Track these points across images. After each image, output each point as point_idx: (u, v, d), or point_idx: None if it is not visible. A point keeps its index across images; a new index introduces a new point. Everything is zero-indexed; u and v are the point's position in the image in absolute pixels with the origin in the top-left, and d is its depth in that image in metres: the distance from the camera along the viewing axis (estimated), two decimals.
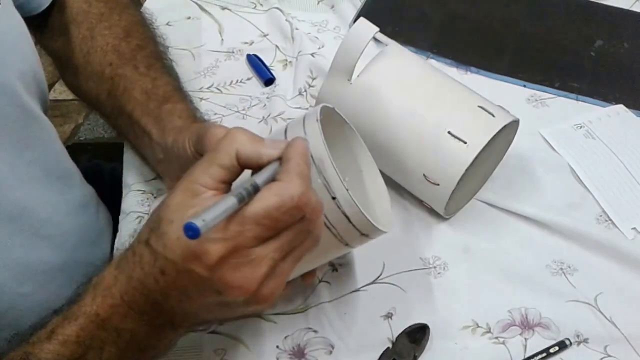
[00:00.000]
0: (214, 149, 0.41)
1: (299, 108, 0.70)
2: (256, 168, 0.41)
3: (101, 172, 0.83)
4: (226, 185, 0.40)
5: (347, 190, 0.45)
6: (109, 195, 0.74)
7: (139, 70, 0.63)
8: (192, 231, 0.34)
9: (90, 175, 0.78)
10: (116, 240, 0.62)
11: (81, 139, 1.70)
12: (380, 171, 0.62)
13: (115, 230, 0.64)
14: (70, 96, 1.73)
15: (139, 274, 0.41)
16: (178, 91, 0.62)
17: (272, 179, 0.40)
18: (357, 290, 0.58)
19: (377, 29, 0.58)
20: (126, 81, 0.62)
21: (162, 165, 0.60)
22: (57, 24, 0.65)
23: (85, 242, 0.64)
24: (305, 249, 0.42)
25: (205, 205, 0.37)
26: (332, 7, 0.82)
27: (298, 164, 0.40)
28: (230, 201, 0.37)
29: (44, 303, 0.57)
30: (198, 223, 0.34)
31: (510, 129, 0.59)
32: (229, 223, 0.38)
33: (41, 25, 0.66)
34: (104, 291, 0.42)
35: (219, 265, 0.38)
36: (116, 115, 0.63)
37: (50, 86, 1.75)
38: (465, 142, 0.55)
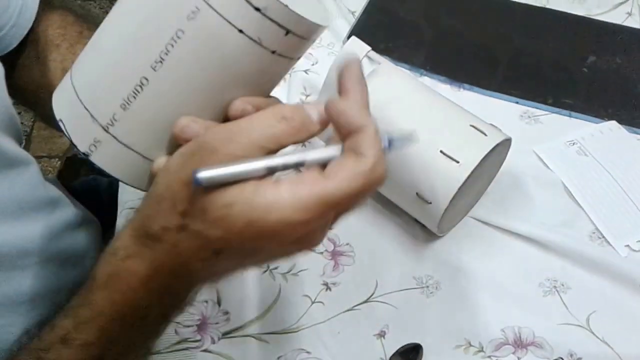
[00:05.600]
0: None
1: None
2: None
3: (98, 187, 0.83)
4: None
5: None
6: (105, 211, 0.74)
7: None
8: (195, 181, 0.32)
9: (87, 191, 0.78)
10: None
11: None
12: None
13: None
14: None
15: (174, 263, 0.37)
16: None
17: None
18: (351, 309, 0.58)
19: (369, 48, 0.58)
20: None
21: None
22: (32, 55, 0.64)
23: (67, 265, 0.63)
24: None
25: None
26: None
27: (374, 134, 0.35)
28: (260, 164, 0.33)
29: (26, 332, 0.57)
30: (203, 174, 0.32)
31: (502, 147, 0.59)
32: (310, 204, 0.34)
33: (11, 64, 0.63)
34: (121, 287, 0.39)
35: (296, 241, 0.36)
36: None
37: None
38: (457, 161, 0.56)
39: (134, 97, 0.38)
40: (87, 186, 0.80)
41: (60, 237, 0.63)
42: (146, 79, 0.37)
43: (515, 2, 0.83)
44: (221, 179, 0.33)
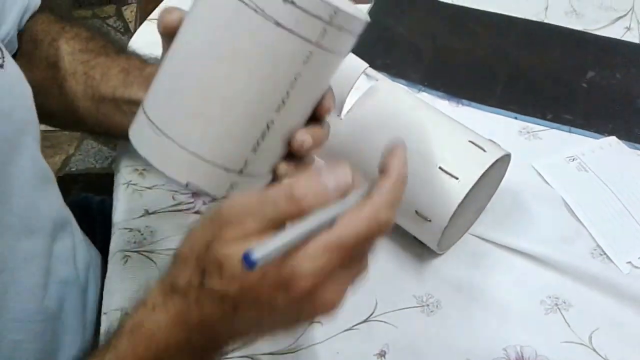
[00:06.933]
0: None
1: None
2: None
3: (89, 205, 0.82)
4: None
5: None
6: (97, 230, 0.73)
7: (111, 57, 0.62)
8: (248, 262, 0.33)
9: (79, 210, 0.78)
10: (105, 282, 0.61)
11: (72, 170, 1.69)
12: None
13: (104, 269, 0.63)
14: None
15: (196, 317, 0.39)
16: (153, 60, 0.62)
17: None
18: (350, 329, 0.57)
19: (367, 65, 0.58)
20: (102, 68, 0.61)
21: None
22: (23, 54, 0.64)
23: (76, 288, 0.63)
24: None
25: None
26: None
27: (390, 184, 0.39)
28: (295, 233, 0.35)
29: (38, 352, 0.56)
30: (257, 254, 0.33)
31: (502, 163, 0.59)
32: (317, 251, 0.36)
33: None
34: (144, 336, 0.40)
35: (308, 295, 0.36)
36: (97, 107, 0.62)
37: None
38: (457, 178, 0.55)
39: (263, 139, 0.42)
40: (79, 205, 0.80)
41: (70, 261, 0.62)
42: (272, 122, 0.42)
43: (513, 17, 0.83)
44: (271, 257, 0.34)
